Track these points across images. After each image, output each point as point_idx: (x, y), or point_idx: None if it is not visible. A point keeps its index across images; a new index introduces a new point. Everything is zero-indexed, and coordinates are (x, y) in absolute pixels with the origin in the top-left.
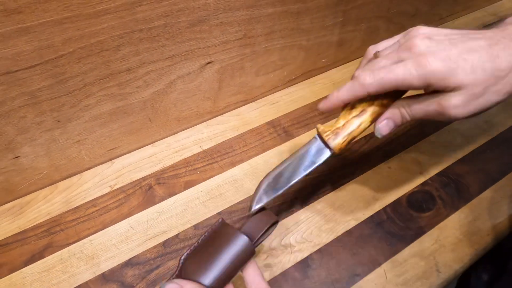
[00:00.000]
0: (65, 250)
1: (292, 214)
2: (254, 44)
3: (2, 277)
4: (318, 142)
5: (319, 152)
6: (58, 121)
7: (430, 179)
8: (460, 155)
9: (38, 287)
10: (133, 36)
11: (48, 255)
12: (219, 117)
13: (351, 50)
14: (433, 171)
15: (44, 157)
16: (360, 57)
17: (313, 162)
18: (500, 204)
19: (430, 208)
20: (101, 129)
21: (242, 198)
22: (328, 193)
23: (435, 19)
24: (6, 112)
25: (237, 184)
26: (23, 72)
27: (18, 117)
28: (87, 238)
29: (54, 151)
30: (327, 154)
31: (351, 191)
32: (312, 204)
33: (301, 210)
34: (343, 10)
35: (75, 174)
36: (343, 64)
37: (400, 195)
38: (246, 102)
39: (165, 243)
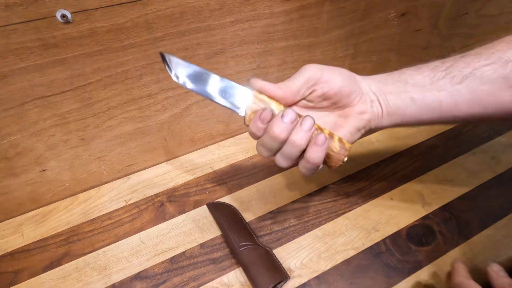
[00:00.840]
0: (81, 259)
1: (293, 239)
2: (267, 73)
3: (22, 281)
4: (244, 98)
5: (235, 102)
6: (83, 139)
7: (431, 213)
8: (463, 190)
9: None
10: (154, 67)
11: (65, 263)
12: (231, 139)
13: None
14: (435, 205)
15: (67, 171)
16: None
17: (224, 100)
18: (501, 243)
19: (429, 243)
20: (121, 147)
21: (249, 220)
22: (329, 221)
23: (448, 52)
24: (38, 131)
25: (244, 206)
26: (56, 97)
27: (48, 135)
28: (101, 249)
29: (77, 166)
30: (238, 111)
31: (353, 220)
32: (313, 230)
33: (303, 236)
34: (354, 43)
35: (94, 187)
36: None
37: (400, 228)
38: None
39: (172, 260)
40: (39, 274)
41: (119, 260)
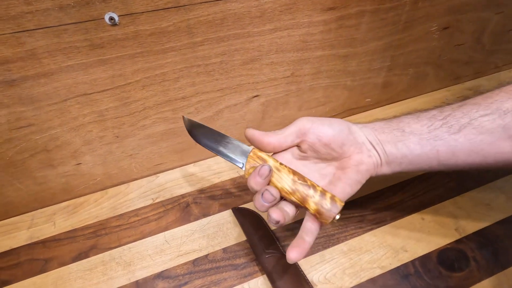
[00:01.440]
0: (107, 253)
1: (318, 252)
2: (300, 82)
3: (52, 269)
4: (244, 155)
5: (238, 156)
6: (117, 136)
7: (465, 237)
8: (501, 216)
9: (80, 284)
10: (191, 70)
11: (92, 255)
12: None
13: (396, 92)
14: (470, 229)
15: (100, 166)
16: (404, 99)
17: (228, 156)
18: None
19: (462, 269)
20: (152, 146)
21: (273, 228)
22: (356, 236)
23: (490, 68)
24: (77, 126)
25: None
26: (96, 95)
27: (86, 131)
28: (127, 245)
29: (109, 162)
30: (238, 164)
31: (380, 237)
32: (339, 245)
33: (327, 250)
34: (391, 55)
35: (123, 183)
36: (387, 104)
37: (431, 250)
38: None
39: (194, 262)
40: (68, 264)
41: (144, 258)
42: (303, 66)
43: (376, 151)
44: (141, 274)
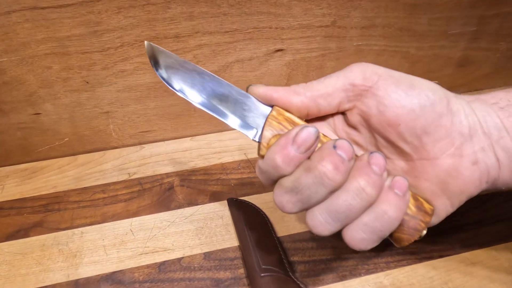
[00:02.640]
0: (52, 235)
1: (343, 279)
2: (344, 37)
3: None
4: (260, 116)
5: (247, 118)
6: (87, 82)
7: None
8: None
9: (5, 272)
10: None
11: (33, 235)
12: None
13: (475, 76)
14: None
15: (67, 121)
16: (488, 89)
17: (229, 116)
18: None
19: None
20: (135, 105)
21: (281, 235)
22: (404, 266)
23: None
24: (30, 57)
25: (277, 215)
26: (53, 11)
27: (43, 67)
28: (79, 229)
29: (78, 117)
30: (249, 130)
31: (443, 272)
32: (376, 274)
33: (358, 279)
34: (480, 15)
35: (98, 150)
36: (460, 93)
37: None
38: None
39: (161, 266)
40: (0, 242)
41: (96, 249)
42: (351, 12)
43: (495, 153)
44: (85, 271)
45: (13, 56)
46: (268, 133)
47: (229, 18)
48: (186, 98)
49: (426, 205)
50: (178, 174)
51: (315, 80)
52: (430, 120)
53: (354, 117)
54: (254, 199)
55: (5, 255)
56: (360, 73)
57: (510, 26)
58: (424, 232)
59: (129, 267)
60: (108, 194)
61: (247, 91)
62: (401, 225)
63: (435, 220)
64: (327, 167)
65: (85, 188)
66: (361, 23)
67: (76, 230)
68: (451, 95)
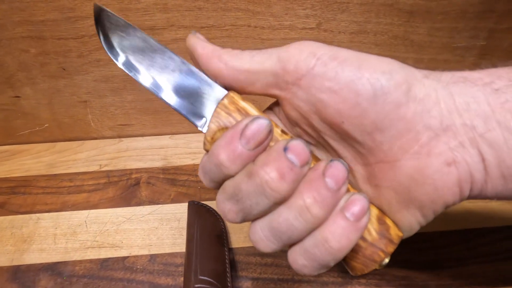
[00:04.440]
0: (10, 218)
1: None
2: (331, 42)
3: None
4: (210, 102)
5: (196, 102)
6: (64, 69)
7: None
8: None
9: None
10: None
11: None
12: None
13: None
14: None
15: (46, 106)
16: None
17: (178, 100)
18: None
19: None
20: (113, 96)
21: (234, 246)
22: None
23: None
24: (8, 39)
25: (237, 226)
26: None
27: (20, 49)
28: (37, 214)
29: (57, 104)
30: (198, 123)
31: None
32: None
33: None
34: (490, 28)
35: (78, 139)
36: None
37: None
38: None
39: (104, 262)
40: None
41: (46, 237)
42: (338, 15)
43: (479, 149)
44: (29, 258)
45: None
46: (214, 126)
47: (204, 13)
48: (129, 74)
49: (393, 231)
50: (147, 170)
51: (249, 51)
52: (383, 113)
53: (291, 112)
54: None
55: None
56: (295, 55)
57: None
58: (386, 261)
59: (73, 259)
60: (74, 183)
61: (188, 37)
62: (355, 252)
63: (407, 234)
64: (271, 175)
65: (54, 175)
66: (349, 27)
67: (33, 216)
68: (417, 76)
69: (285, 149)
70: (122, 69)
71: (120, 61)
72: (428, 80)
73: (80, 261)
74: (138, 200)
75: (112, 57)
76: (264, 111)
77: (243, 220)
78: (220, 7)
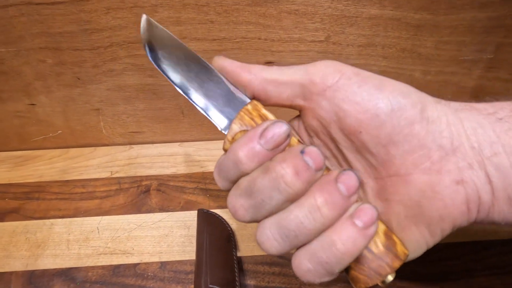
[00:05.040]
0: (24, 223)
1: None
2: (339, 54)
3: None
4: (234, 107)
5: (221, 107)
6: (78, 78)
7: None
8: None
9: None
10: None
11: (7, 221)
12: None
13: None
14: None
15: (60, 114)
16: None
17: (204, 103)
18: None
19: None
20: (125, 105)
21: (243, 255)
22: None
23: None
24: (26, 49)
25: (245, 234)
26: (46, 8)
27: (37, 60)
28: (50, 220)
29: (71, 111)
30: (220, 121)
31: None
32: None
33: None
34: (497, 42)
35: (90, 145)
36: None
37: None
38: None
39: (116, 269)
40: None
41: (60, 243)
42: (346, 28)
43: (486, 172)
44: (44, 263)
45: (10, 47)
46: (236, 127)
47: (216, 26)
48: (164, 75)
49: (400, 248)
50: (157, 178)
51: (276, 66)
52: (398, 127)
53: (312, 122)
54: (226, 213)
55: None
56: (322, 69)
57: None
58: (390, 278)
59: (86, 265)
60: (86, 189)
61: (212, 62)
62: (360, 263)
63: (413, 255)
64: (287, 170)
65: (67, 181)
66: (358, 41)
67: (47, 221)
68: (430, 100)
69: (302, 152)
70: (139, 83)
71: (166, 73)
72: (439, 105)
73: (93, 267)
74: (148, 207)
75: (151, 60)
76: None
77: (252, 219)
78: (232, 20)
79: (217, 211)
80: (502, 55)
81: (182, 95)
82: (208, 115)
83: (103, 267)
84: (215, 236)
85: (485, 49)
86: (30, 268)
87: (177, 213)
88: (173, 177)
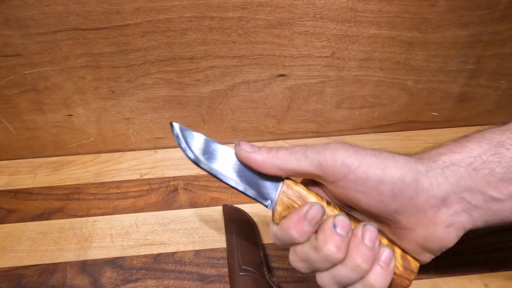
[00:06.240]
0: (69, 221)
1: None
2: (343, 68)
3: (9, 222)
4: (276, 189)
5: (261, 190)
6: (113, 91)
7: None
8: None
9: (27, 246)
10: (202, 23)
11: (54, 219)
12: (280, 142)
13: (477, 112)
14: None
15: (94, 123)
16: (488, 124)
17: (247, 188)
18: None
19: None
20: (152, 114)
21: (266, 242)
22: None
23: None
24: (69, 68)
25: (264, 223)
26: (90, 32)
27: (78, 76)
28: (93, 217)
29: (104, 121)
30: (265, 203)
31: None
32: None
33: None
34: (478, 55)
35: (118, 151)
36: (460, 126)
37: None
38: (317, 134)
39: (157, 257)
40: (26, 222)
41: (104, 236)
42: (349, 46)
43: (468, 213)
44: (93, 254)
45: (55, 66)
46: (279, 208)
47: (237, 46)
48: (211, 174)
49: (413, 264)
50: (183, 178)
51: (295, 154)
52: (400, 204)
53: (331, 194)
54: (247, 207)
55: (30, 233)
56: (332, 164)
57: (510, 67)
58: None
59: (130, 255)
60: (121, 190)
61: (234, 147)
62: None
63: (421, 263)
64: (331, 250)
65: (102, 183)
66: (358, 56)
67: (90, 218)
68: (422, 172)
69: (335, 225)
70: (166, 95)
71: (199, 163)
72: (430, 173)
73: (136, 256)
74: (178, 204)
75: (190, 159)
76: (309, 187)
77: (311, 272)
78: (250, 40)
79: (239, 206)
80: (481, 66)
81: (209, 100)
82: (251, 197)
83: (145, 256)
84: (241, 226)
85: (467, 60)
86: (81, 258)
87: (205, 208)
88: (197, 177)
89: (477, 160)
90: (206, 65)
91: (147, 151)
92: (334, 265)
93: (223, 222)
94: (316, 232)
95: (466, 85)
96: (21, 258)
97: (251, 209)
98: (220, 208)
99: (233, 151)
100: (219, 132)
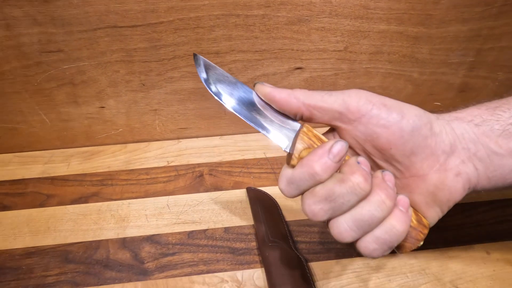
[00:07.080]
0: (106, 203)
1: (337, 258)
2: (354, 61)
3: (50, 206)
4: (294, 131)
5: (278, 131)
6: (143, 84)
7: None
8: None
9: (70, 227)
10: (229, 20)
11: (91, 202)
12: None
13: (476, 101)
14: None
15: (123, 115)
16: None
17: (266, 128)
18: None
19: None
20: (178, 105)
21: (288, 219)
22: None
23: None
24: (105, 62)
25: (287, 204)
26: (127, 29)
27: (112, 70)
28: (127, 200)
29: (133, 112)
30: (283, 145)
31: (424, 262)
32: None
33: (350, 259)
34: (477, 48)
35: (144, 141)
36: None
37: None
38: None
39: (190, 234)
40: (66, 205)
41: (139, 217)
42: (361, 40)
43: (473, 164)
44: (131, 232)
45: (92, 61)
46: (300, 146)
47: (259, 41)
48: (228, 109)
49: (424, 220)
50: (207, 165)
51: (318, 92)
52: (417, 142)
53: (348, 138)
54: (269, 189)
55: (70, 214)
56: (356, 100)
57: (507, 59)
58: (422, 242)
59: (165, 232)
60: (150, 176)
61: (253, 87)
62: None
63: (431, 225)
64: (359, 179)
65: (132, 170)
66: (369, 49)
67: (124, 201)
68: (433, 118)
69: (358, 162)
70: (192, 87)
71: (228, 105)
72: (439, 120)
73: (171, 233)
74: (205, 187)
75: (214, 96)
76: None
77: (328, 218)
78: (272, 36)
79: (261, 188)
80: (481, 58)
81: None
82: (269, 137)
83: (179, 233)
84: (266, 205)
85: (467, 53)
86: (121, 236)
87: (230, 191)
88: (220, 164)
89: (477, 118)
90: (230, 59)
91: (171, 141)
92: (359, 200)
93: (247, 203)
94: (338, 170)
95: (466, 76)
96: (65, 237)
97: (272, 191)
98: (243, 190)
99: (253, 92)
100: (238, 122)
